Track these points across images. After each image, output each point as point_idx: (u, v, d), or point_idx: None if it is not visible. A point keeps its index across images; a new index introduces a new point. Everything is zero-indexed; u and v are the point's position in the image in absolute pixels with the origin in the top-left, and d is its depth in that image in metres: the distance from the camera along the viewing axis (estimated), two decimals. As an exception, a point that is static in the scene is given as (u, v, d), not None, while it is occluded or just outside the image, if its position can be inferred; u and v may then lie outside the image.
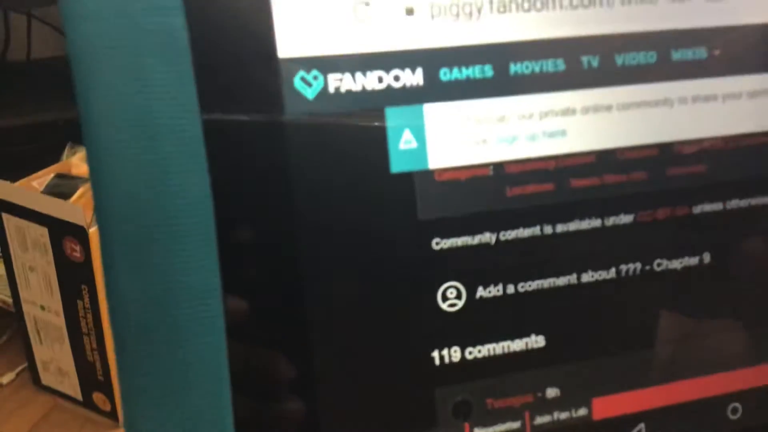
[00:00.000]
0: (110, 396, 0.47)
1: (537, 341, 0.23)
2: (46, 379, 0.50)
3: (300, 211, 0.20)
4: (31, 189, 0.47)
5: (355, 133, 0.21)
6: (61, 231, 0.43)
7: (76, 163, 0.52)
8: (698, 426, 0.24)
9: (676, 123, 0.23)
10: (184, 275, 0.18)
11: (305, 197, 0.20)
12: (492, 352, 0.23)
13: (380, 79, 0.21)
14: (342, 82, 0.20)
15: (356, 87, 0.21)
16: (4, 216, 0.45)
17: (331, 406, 0.21)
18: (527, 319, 0.23)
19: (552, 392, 0.23)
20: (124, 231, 0.18)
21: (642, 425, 0.24)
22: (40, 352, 0.49)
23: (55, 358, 0.49)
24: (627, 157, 0.23)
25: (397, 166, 0.21)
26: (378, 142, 0.21)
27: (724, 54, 0.23)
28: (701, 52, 0.23)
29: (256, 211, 0.20)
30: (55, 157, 0.54)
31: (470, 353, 0.22)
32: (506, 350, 0.23)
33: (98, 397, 0.48)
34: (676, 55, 0.23)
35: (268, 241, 0.20)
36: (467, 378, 0.22)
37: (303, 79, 0.20)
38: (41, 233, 0.45)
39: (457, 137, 0.22)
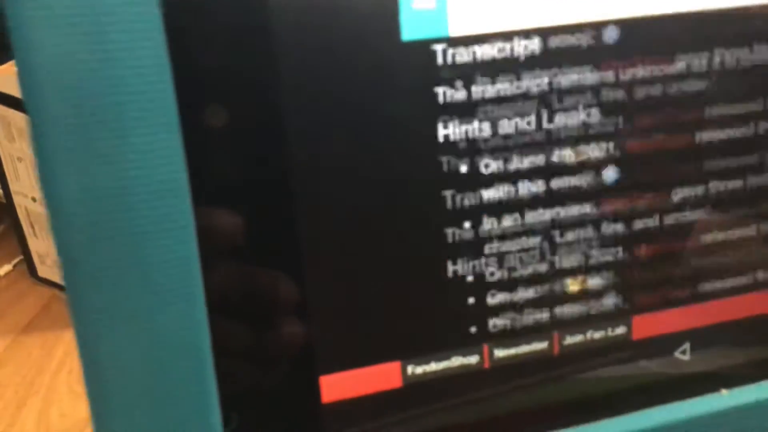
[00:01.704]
0: (109, 290, 0.47)
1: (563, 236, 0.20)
2: (42, 271, 0.50)
3: (286, 86, 0.17)
4: (13, 75, 0.44)
5: None
6: (47, 119, 0.42)
7: (63, 44, 0.49)
8: (750, 345, 0.22)
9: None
10: (140, 169, 0.15)
11: (292, 70, 0.17)
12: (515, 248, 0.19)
13: None
14: None
15: None
16: (-13, 104, 0.44)
17: (326, 327, 0.18)
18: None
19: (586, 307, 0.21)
20: (58, 109, 0.14)
21: (687, 345, 0.22)
22: (35, 245, 0.49)
23: (51, 250, 0.48)
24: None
25: (409, 32, 0.18)
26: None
27: None
28: None
29: (230, 86, 0.16)
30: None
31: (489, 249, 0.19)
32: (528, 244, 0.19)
33: (97, 291, 0.47)
34: None
35: (246, 124, 0.17)
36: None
37: None
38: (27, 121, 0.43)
39: None
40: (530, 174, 0.19)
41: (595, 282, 0.20)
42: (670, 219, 0.21)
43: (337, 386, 0.19)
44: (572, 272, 0.20)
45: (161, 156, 0.15)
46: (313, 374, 0.19)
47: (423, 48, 0.18)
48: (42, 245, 0.48)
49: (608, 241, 0.20)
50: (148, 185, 0.15)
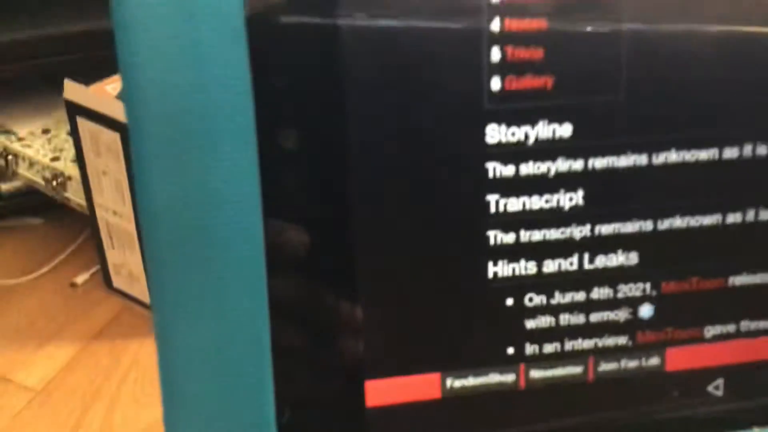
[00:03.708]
0: (177, 303, 0.48)
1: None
2: (117, 282, 0.52)
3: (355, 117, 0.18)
4: (104, 94, 0.47)
5: None
6: (132, 137, 0.44)
7: (151, 69, 0.52)
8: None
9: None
10: (221, 181, 0.17)
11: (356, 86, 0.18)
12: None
13: None
14: None
15: None
16: (79, 120, 0.46)
17: (376, 337, 0.20)
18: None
19: (621, 337, 0.21)
20: (155, 129, 0.16)
21: (720, 381, 0.22)
22: (112, 256, 0.51)
23: (127, 262, 0.50)
24: None
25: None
26: None
27: None
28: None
29: (300, 110, 0.18)
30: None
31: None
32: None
33: (166, 304, 0.49)
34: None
35: (313, 141, 0.18)
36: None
37: None
38: (114, 139, 0.45)
39: None
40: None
41: (631, 310, 0.21)
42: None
43: (381, 392, 0.20)
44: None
45: (239, 170, 0.17)
46: (359, 378, 0.20)
47: None
48: (118, 257, 0.50)
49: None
50: (225, 195, 0.17)
